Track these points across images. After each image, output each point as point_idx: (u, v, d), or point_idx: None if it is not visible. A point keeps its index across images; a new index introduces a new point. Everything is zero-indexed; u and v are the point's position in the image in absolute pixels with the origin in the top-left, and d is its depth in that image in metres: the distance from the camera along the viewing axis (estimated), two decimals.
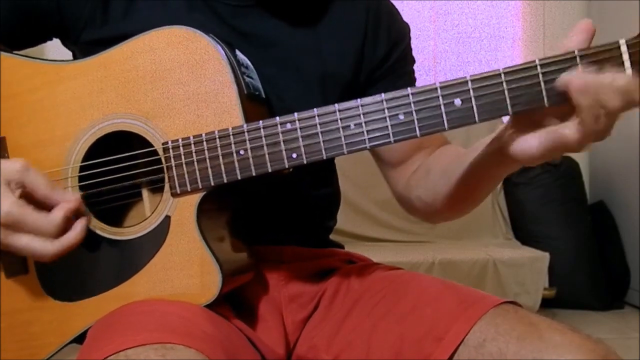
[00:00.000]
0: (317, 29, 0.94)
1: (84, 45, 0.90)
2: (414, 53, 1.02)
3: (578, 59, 0.65)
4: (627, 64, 0.63)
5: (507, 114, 0.68)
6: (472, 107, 0.68)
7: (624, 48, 0.64)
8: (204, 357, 0.66)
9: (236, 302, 0.88)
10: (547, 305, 2.80)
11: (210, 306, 0.79)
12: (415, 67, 1.02)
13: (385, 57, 0.97)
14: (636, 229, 2.99)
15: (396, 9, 1.01)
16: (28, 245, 0.75)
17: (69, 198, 0.77)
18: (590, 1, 3.44)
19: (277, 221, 0.95)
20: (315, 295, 0.94)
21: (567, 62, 0.65)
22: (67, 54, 0.97)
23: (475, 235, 3.10)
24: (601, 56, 0.64)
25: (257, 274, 0.92)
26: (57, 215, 0.75)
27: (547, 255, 2.76)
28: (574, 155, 3.16)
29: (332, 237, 1.06)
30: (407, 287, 0.86)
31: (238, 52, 0.84)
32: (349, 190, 2.93)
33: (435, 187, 0.89)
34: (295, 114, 0.75)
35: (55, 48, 1.04)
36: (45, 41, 0.96)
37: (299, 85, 0.92)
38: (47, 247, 0.75)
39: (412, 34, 1.01)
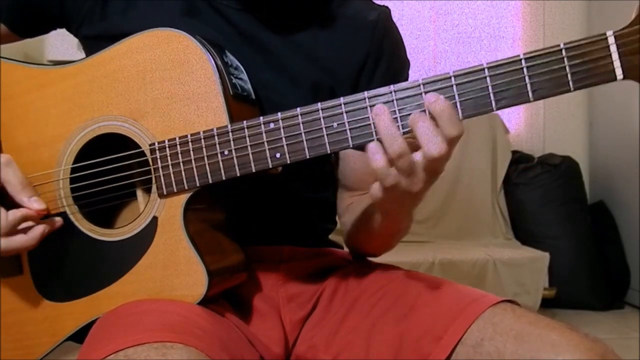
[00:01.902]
0: (318, 42, 0.93)
1: (83, 40, 0.92)
2: (414, 53, 1.01)
3: (564, 51, 0.64)
4: (615, 55, 0.62)
5: (492, 110, 0.67)
6: (456, 103, 0.68)
7: (611, 40, 0.63)
8: (205, 356, 0.66)
9: (235, 301, 0.88)
10: (547, 305, 2.79)
11: (208, 305, 0.79)
12: (415, 67, 1.01)
13: None
14: (636, 229, 2.97)
15: (402, 42, 0.99)
16: None
17: (32, 205, 0.80)
18: (590, 1, 3.43)
19: (274, 222, 0.95)
20: (313, 295, 0.94)
21: (552, 55, 0.64)
22: (67, 52, 0.97)
23: (475, 235, 3.09)
24: (587, 48, 0.63)
25: (256, 274, 0.92)
26: (13, 216, 0.79)
27: (547, 255, 2.75)
28: (574, 155, 3.16)
29: (331, 237, 1.05)
30: (406, 287, 0.86)
31: (228, 54, 0.83)
32: None
33: (350, 221, 0.94)
34: (279, 113, 0.74)
35: (55, 48, 1.04)
36: (48, 31, 0.97)
37: (294, 92, 0.91)
38: None
39: (412, 34, 1.00)
